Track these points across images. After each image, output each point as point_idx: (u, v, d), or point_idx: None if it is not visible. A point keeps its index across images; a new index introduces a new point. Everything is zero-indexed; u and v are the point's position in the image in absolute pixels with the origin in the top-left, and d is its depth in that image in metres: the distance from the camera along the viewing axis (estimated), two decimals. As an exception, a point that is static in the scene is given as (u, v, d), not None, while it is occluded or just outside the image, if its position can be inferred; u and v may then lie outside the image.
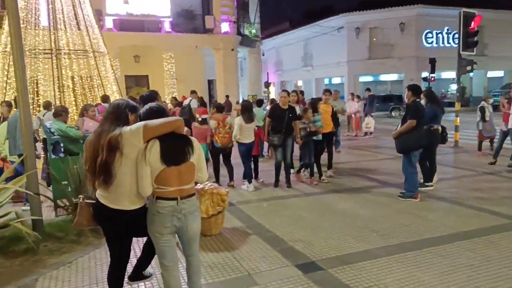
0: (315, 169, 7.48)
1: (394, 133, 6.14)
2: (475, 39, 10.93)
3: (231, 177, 7.11)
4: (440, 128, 6.81)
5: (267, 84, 27.51)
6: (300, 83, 38.87)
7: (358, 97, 15.32)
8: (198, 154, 2.83)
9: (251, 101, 11.94)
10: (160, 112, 2.82)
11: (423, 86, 26.60)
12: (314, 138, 7.17)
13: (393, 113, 24.68)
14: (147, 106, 2.90)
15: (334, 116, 7.99)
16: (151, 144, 2.65)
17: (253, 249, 4.29)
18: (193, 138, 2.88)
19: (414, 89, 6.16)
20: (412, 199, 6.04)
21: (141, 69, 22.61)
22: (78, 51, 14.20)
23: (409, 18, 28.15)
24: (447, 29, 28.44)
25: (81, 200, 2.92)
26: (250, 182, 6.88)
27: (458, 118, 11.63)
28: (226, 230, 4.86)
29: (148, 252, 3.21)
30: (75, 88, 14.58)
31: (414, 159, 6.03)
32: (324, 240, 4.49)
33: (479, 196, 6.22)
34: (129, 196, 2.74)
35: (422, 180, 6.71)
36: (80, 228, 3.63)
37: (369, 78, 32.19)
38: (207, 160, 6.98)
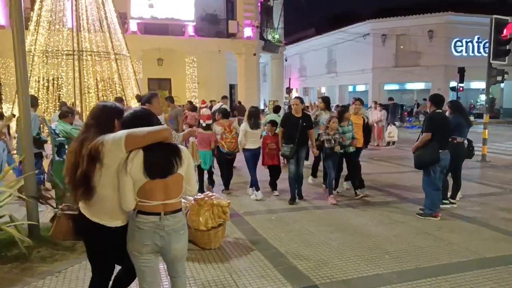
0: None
1: (413, 146, 5.75)
2: (507, 47, 10.31)
3: (226, 183, 7.16)
4: (466, 141, 6.33)
5: (289, 90, 27.17)
6: (323, 89, 38.35)
7: (381, 105, 14.81)
8: (187, 165, 2.56)
9: (269, 107, 11.62)
10: (144, 117, 2.55)
11: (451, 96, 25.74)
12: (342, 151, 6.48)
13: (396, 123, 23.88)
14: (131, 111, 2.66)
15: (366, 129, 7.21)
16: (133, 154, 2.39)
17: (253, 267, 3.98)
18: (182, 147, 2.61)
19: (434, 99, 5.75)
20: (432, 218, 5.60)
21: (164, 72, 22.74)
22: (101, 53, 14.36)
23: (438, 25, 27.29)
24: (478, 38, 27.42)
25: (59, 211, 2.70)
26: (257, 189, 6.68)
27: (487, 130, 10.99)
28: (227, 244, 4.58)
29: (121, 280, 2.81)
30: (97, 90, 14.77)
31: (434, 174, 5.60)
32: (331, 261, 4.14)
33: (507, 217, 5.71)
34: (110, 211, 2.49)
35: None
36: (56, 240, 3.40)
37: (394, 87, 31.39)
38: (211, 166, 6.93)
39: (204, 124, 6.84)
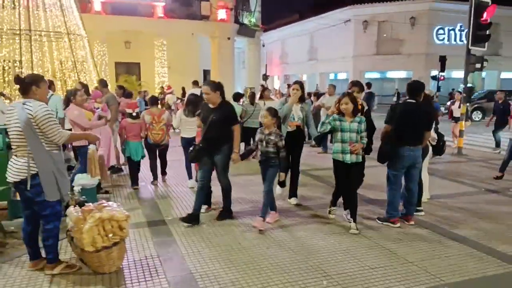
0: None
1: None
2: (487, 32, 9.50)
3: (162, 171, 6.86)
4: (434, 136, 5.49)
5: (265, 77, 26.13)
6: (304, 77, 37.44)
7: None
8: None
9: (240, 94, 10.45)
10: None
11: (432, 85, 25.10)
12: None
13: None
14: None
15: (369, 125, 4.85)
16: None
17: (148, 301, 3.07)
18: None
19: (408, 87, 4.86)
20: (390, 224, 4.78)
21: (132, 56, 21.45)
22: (52, 33, 13.16)
23: (420, 12, 26.56)
24: (460, 26, 26.77)
25: None
26: (190, 178, 6.54)
27: (463, 121, 10.24)
28: (130, 264, 3.65)
29: None
30: (56, 74, 13.63)
31: (396, 172, 4.77)
32: (253, 290, 3.25)
33: (478, 226, 4.90)
34: None
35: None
36: None
37: (375, 75, 30.75)
38: (143, 156, 6.41)
39: (134, 114, 6.26)
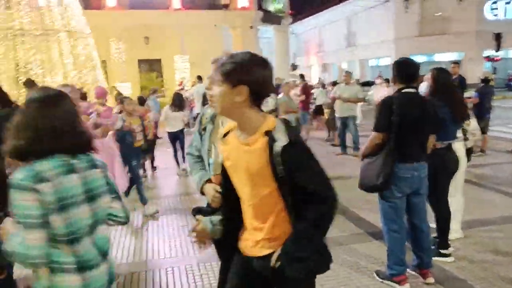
0: None
1: (360, 152, 3.26)
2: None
3: (151, 166, 7.54)
4: (461, 143, 3.68)
5: (294, 67, 24.34)
6: (344, 65, 35.07)
7: (388, 81, 11.95)
8: None
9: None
10: None
11: (487, 66, 22.14)
12: None
13: None
14: None
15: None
16: None
17: None
18: None
19: (399, 68, 3.09)
20: (392, 284, 3.10)
21: (153, 52, 20.53)
22: (49, 31, 12.36)
23: (469, -16, 23.49)
24: (519, -3, 23.43)
25: None
26: (179, 166, 7.28)
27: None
28: None
29: None
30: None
31: (395, 201, 3.04)
32: None
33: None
34: None
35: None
36: None
37: (422, 58, 27.80)
38: None
39: None
